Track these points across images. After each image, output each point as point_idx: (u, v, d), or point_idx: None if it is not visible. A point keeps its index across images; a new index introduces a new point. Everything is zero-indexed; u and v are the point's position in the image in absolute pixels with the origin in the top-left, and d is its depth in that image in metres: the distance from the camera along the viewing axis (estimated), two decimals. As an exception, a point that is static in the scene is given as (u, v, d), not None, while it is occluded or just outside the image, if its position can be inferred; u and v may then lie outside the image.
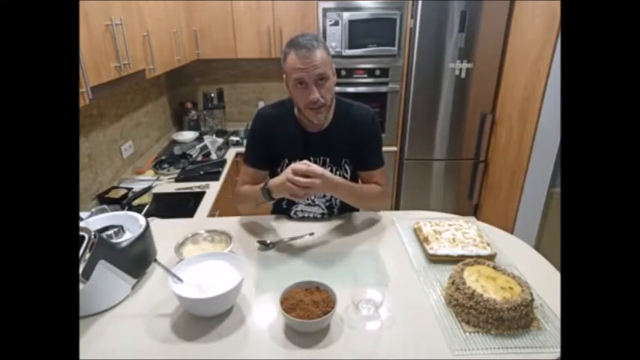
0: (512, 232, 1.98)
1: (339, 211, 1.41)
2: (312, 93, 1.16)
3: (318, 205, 1.39)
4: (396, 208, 3.04)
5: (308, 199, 1.38)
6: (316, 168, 1.10)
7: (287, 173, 1.10)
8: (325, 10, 2.58)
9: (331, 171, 1.32)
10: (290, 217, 1.41)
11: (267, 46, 2.78)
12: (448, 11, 2.49)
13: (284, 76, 1.22)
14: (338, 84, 2.68)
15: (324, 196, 1.37)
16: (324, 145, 1.31)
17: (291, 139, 1.31)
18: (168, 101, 3.07)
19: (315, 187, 1.10)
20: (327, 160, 1.32)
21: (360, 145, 1.32)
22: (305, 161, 1.13)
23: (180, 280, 0.93)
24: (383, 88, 2.76)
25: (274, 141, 1.31)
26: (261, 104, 3.10)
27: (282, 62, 1.21)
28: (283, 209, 1.43)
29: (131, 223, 1.09)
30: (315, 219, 1.40)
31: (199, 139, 2.84)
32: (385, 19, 2.59)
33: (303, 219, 1.40)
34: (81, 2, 1.27)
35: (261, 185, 1.21)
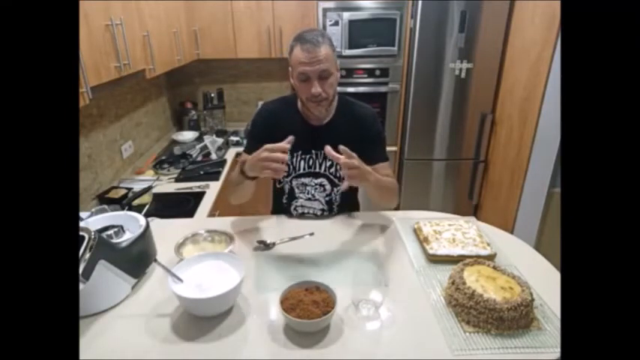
0: (512, 232, 1.98)
1: (338, 208, 1.41)
2: (314, 87, 1.19)
3: (318, 199, 1.39)
4: (396, 208, 3.02)
5: (308, 194, 1.38)
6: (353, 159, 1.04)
7: (267, 148, 1.04)
8: (325, 10, 2.58)
9: (332, 165, 1.34)
10: (290, 217, 1.41)
11: (267, 46, 2.78)
12: (448, 11, 2.49)
13: (290, 68, 1.25)
14: (338, 84, 2.67)
15: (324, 190, 1.38)
16: (326, 139, 1.31)
17: (293, 131, 1.31)
18: (168, 101, 3.07)
19: (354, 168, 1.03)
20: None
21: (363, 143, 1.31)
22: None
23: (180, 280, 0.93)
24: (383, 88, 2.76)
25: (276, 133, 1.30)
26: (261, 104, 3.09)
27: (288, 55, 1.24)
28: (283, 205, 1.43)
29: (131, 223, 1.09)
30: (315, 216, 1.40)
31: (199, 139, 2.84)
32: (385, 19, 2.59)
33: (302, 216, 1.40)
34: (81, 2, 1.27)
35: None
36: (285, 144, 1.06)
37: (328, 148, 1.05)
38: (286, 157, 1.05)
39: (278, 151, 1.04)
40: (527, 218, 2.47)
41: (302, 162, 1.34)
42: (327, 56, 1.18)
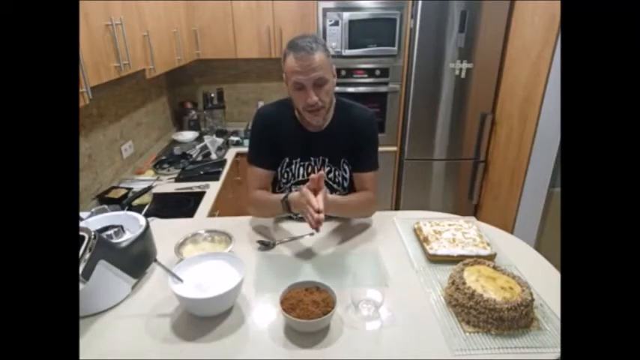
0: (512, 232, 1.98)
1: None
2: (309, 96, 1.16)
3: None
4: (396, 208, 3.03)
5: None
6: (320, 202, 1.07)
7: (308, 201, 1.07)
8: (325, 10, 2.58)
9: (330, 171, 1.33)
10: (290, 217, 1.41)
11: (267, 46, 2.78)
12: (448, 11, 2.49)
13: (284, 76, 1.22)
14: (338, 84, 2.65)
15: None
16: (323, 145, 1.31)
17: (291, 138, 1.31)
18: (168, 101, 3.07)
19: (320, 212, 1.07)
20: (327, 160, 1.33)
21: (357, 147, 1.32)
22: (307, 188, 1.10)
23: (180, 280, 0.93)
24: (383, 88, 2.76)
25: (275, 139, 1.31)
26: (260, 104, 3.10)
27: (282, 63, 1.21)
28: None
29: (131, 223, 1.09)
30: None
31: (199, 139, 2.84)
32: (385, 19, 2.59)
33: (303, 220, 1.40)
34: (81, 2, 1.27)
35: (281, 197, 1.20)
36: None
37: (321, 175, 1.09)
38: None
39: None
40: (527, 218, 2.46)
41: (301, 169, 1.34)
42: (322, 63, 1.14)
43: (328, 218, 1.39)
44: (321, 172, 1.13)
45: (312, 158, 1.33)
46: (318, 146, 1.31)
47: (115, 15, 1.52)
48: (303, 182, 1.35)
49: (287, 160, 1.33)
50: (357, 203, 1.31)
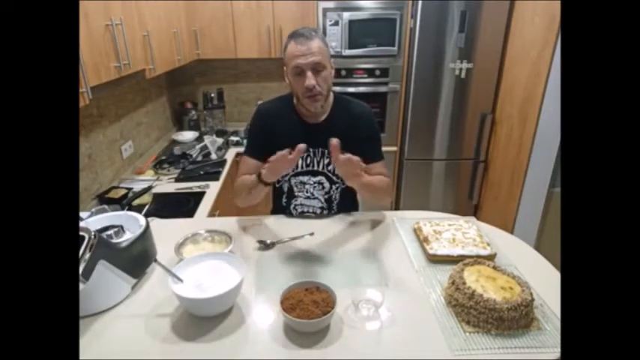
0: (512, 232, 1.98)
1: (337, 206, 1.42)
2: (308, 79, 1.19)
3: (317, 198, 1.40)
4: (396, 208, 3.03)
5: (307, 193, 1.39)
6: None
7: (277, 156, 1.09)
8: (325, 10, 2.58)
9: (330, 162, 1.34)
10: (290, 216, 1.41)
11: (267, 46, 2.78)
12: (448, 11, 2.49)
13: (285, 68, 1.25)
14: (338, 84, 2.68)
15: (323, 188, 1.38)
16: (323, 136, 1.32)
17: (290, 130, 1.32)
18: (168, 101, 3.07)
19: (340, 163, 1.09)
20: (326, 151, 1.34)
21: (359, 140, 1.33)
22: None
23: (180, 280, 0.93)
24: (383, 88, 2.76)
25: (274, 133, 1.33)
26: (257, 104, 3.09)
27: (283, 55, 1.25)
28: (283, 205, 1.43)
29: (131, 223, 1.09)
30: (314, 214, 1.40)
31: (199, 139, 2.84)
32: (385, 19, 2.59)
33: (302, 215, 1.40)
34: (81, 2, 1.27)
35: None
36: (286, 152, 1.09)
37: (335, 142, 1.06)
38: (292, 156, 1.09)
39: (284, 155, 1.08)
40: (527, 218, 2.46)
41: (300, 160, 1.35)
42: (321, 50, 1.20)
43: (329, 215, 1.39)
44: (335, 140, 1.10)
45: (311, 149, 1.34)
46: (318, 138, 1.32)
47: (115, 15, 1.52)
48: (303, 174, 1.36)
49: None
50: (381, 182, 1.32)
